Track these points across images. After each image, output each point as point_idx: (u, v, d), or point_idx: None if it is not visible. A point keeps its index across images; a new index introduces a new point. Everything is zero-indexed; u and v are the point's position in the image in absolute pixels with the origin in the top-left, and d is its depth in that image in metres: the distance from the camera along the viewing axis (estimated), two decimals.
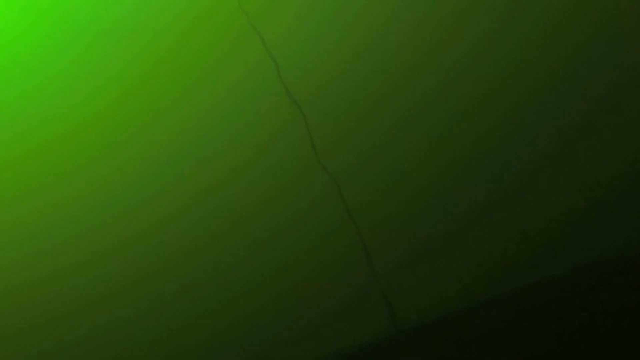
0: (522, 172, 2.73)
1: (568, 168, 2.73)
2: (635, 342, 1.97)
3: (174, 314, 2.76)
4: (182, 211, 2.82)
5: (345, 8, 2.86)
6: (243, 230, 2.79)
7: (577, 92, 2.77)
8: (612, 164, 2.70)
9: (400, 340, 2.61)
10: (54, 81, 2.86)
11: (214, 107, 2.85)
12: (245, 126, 2.84)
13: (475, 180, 2.74)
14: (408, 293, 2.69)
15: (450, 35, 2.84)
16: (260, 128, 2.83)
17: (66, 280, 2.78)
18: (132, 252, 2.79)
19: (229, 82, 2.86)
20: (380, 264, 2.71)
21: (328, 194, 2.78)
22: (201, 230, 2.81)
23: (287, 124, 2.83)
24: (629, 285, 2.35)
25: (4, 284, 2.77)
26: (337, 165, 2.79)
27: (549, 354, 2.15)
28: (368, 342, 2.64)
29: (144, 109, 2.85)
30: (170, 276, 2.78)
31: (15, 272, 2.79)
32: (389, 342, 2.61)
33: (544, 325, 2.30)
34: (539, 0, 2.80)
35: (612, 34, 2.77)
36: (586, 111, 2.75)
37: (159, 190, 2.82)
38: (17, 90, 2.85)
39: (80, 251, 2.79)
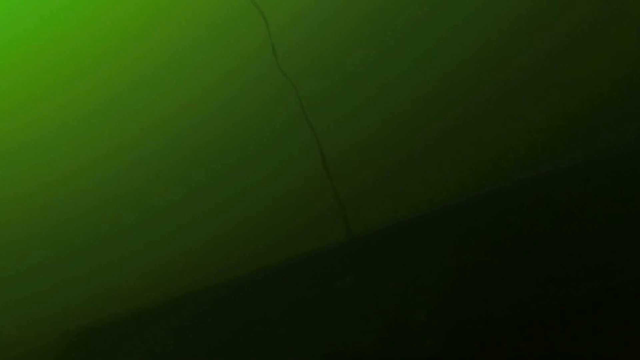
0: (490, 98, 2.65)
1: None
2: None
3: (156, 228, 2.92)
4: (146, 109, 2.90)
5: None
6: (209, 149, 2.86)
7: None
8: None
9: (353, 246, 2.67)
10: None
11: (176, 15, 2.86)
12: (205, 28, 2.83)
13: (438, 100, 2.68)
14: (362, 201, 2.72)
15: None
16: (219, 29, 2.82)
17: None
18: (93, 178, 2.93)
19: None
20: (337, 174, 2.74)
21: (285, 98, 2.79)
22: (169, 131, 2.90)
23: (249, 30, 2.81)
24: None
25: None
26: (296, 71, 2.78)
27: (482, 265, 2.17)
28: (322, 248, 2.72)
29: (107, 32, 2.89)
30: (145, 194, 2.92)
31: None
32: (342, 248, 2.68)
33: (483, 238, 2.31)
34: None
35: None
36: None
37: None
38: None
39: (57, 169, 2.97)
